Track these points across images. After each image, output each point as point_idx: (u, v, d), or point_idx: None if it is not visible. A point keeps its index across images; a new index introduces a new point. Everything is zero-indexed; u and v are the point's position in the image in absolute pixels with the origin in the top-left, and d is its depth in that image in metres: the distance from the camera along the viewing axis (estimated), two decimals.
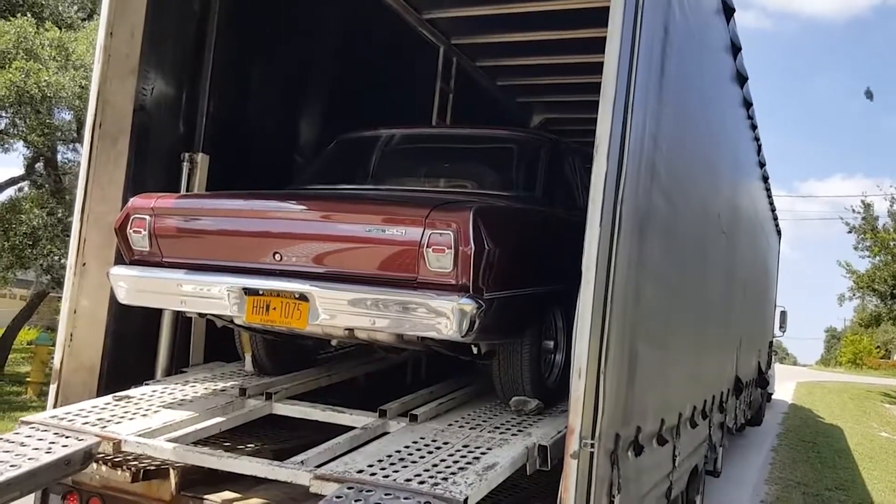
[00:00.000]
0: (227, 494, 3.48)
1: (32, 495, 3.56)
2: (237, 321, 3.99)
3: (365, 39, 6.34)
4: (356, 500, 2.82)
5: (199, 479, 3.53)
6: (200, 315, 4.38)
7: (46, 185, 13.43)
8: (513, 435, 3.58)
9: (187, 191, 4.79)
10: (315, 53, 5.99)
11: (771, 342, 13.50)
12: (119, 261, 4.10)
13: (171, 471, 3.49)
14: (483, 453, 3.31)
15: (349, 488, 2.91)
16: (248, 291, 3.67)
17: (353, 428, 3.80)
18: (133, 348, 4.60)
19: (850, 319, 61.70)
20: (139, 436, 3.53)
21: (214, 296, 3.75)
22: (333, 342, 4.52)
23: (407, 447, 3.39)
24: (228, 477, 3.49)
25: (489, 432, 3.63)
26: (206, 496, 3.46)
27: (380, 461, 3.19)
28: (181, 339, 4.82)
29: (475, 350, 3.78)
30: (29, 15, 11.89)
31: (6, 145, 12.96)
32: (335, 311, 3.50)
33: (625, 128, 3.15)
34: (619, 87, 3.12)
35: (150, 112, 4.62)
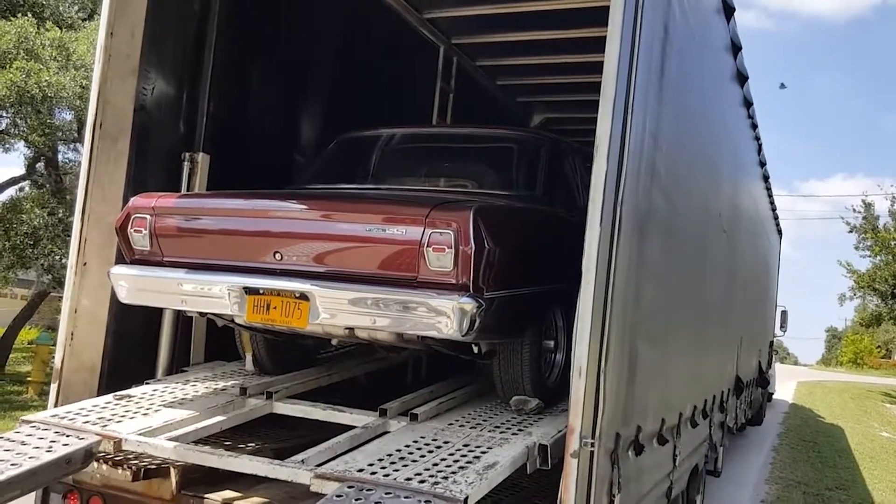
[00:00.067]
0: (228, 493, 3.48)
1: (33, 494, 3.57)
2: (238, 320, 3.99)
3: (365, 39, 6.34)
4: (356, 499, 2.82)
5: (200, 478, 3.54)
6: (201, 314, 4.38)
7: (47, 185, 13.46)
8: (513, 434, 3.59)
9: (188, 190, 4.80)
10: (315, 53, 5.99)
11: (772, 342, 13.49)
12: (120, 260, 4.11)
13: (172, 470, 3.50)
14: (483, 452, 3.31)
15: (349, 487, 2.91)
16: (249, 291, 3.68)
17: (353, 427, 3.80)
18: (134, 347, 4.61)
19: (850, 319, 61.72)
20: (140, 435, 3.54)
21: (215, 295, 3.75)
22: (334, 341, 4.52)
23: (407, 446, 3.39)
24: (229, 476, 3.50)
25: (489, 431, 3.63)
26: (206, 495, 3.46)
27: (380, 460, 3.19)
28: (182, 339, 4.82)
29: (475, 349, 3.79)
30: (30, 15, 11.90)
31: (7, 145, 13.00)
32: (335, 311, 3.50)
33: (625, 127, 3.16)
34: (619, 86, 3.12)
35: (150, 112, 4.62)
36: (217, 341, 4.83)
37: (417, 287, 3.35)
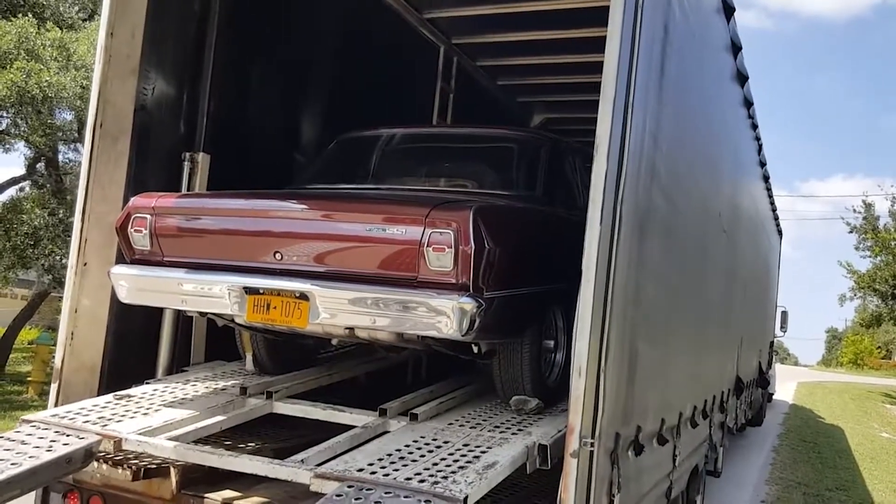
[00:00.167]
0: (228, 493, 3.48)
1: (33, 494, 3.57)
2: (238, 320, 3.99)
3: (365, 39, 6.34)
4: (356, 499, 2.82)
5: (200, 478, 3.54)
6: (201, 314, 4.38)
7: (48, 185, 13.47)
8: (513, 434, 3.59)
9: (188, 190, 4.80)
10: (315, 53, 5.99)
11: (772, 342, 13.49)
12: (120, 260, 4.11)
13: (172, 469, 3.50)
14: (483, 452, 3.31)
15: (349, 487, 2.92)
16: (249, 290, 3.68)
17: (353, 427, 3.80)
18: (134, 347, 4.61)
19: (851, 320, 61.78)
20: (140, 434, 3.54)
21: (215, 295, 3.76)
22: (334, 341, 4.52)
23: (407, 446, 3.39)
24: (229, 475, 3.50)
25: (489, 431, 3.63)
26: (206, 495, 3.46)
27: (380, 460, 3.19)
28: (182, 339, 4.82)
29: (475, 349, 3.79)
30: (30, 15, 11.91)
31: (7, 145, 13.01)
32: (336, 310, 3.50)
33: (625, 127, 3.16)
34: (619, 86, 3.13)
35: (150, 112, 4.63)
36: (217, 341, 4.84)
37: (417, 287, 3.35)
